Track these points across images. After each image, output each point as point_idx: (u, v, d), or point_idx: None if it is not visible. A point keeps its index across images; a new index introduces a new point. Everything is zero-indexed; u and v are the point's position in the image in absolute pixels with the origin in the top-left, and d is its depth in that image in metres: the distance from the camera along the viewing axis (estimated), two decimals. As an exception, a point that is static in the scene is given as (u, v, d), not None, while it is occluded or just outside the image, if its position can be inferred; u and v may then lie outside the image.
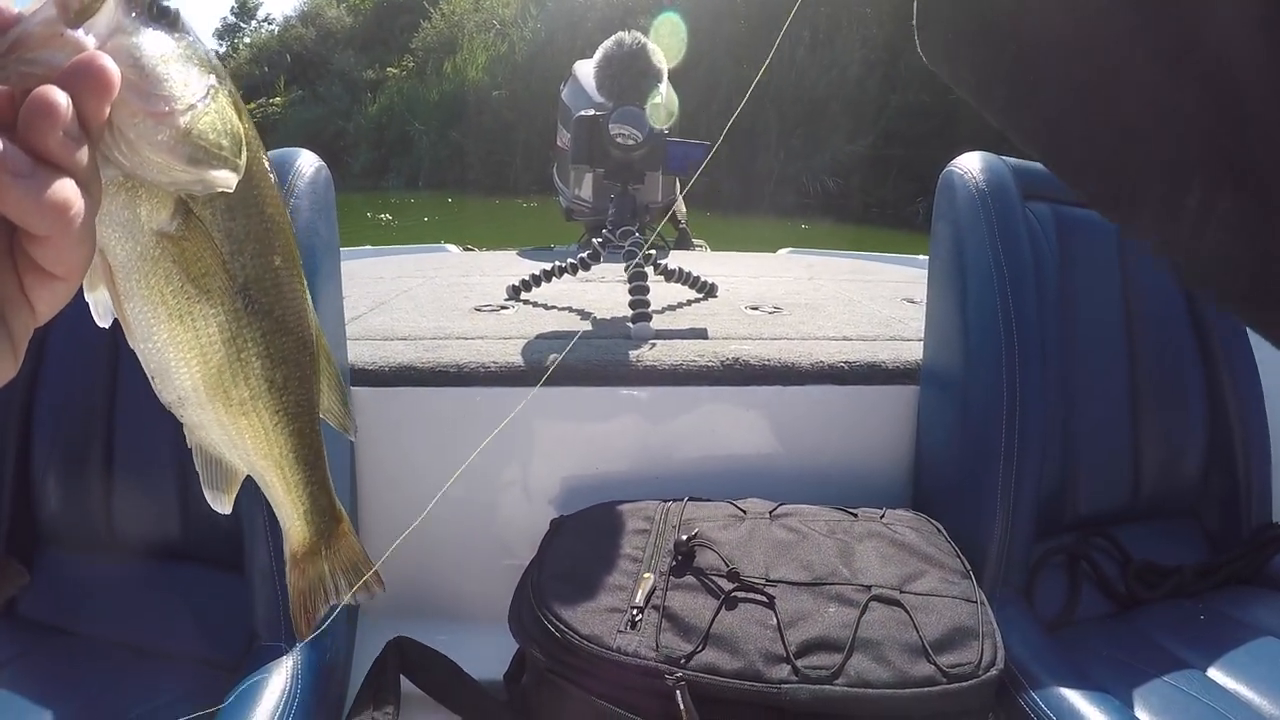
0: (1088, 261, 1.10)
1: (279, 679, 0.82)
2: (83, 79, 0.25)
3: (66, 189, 0.25)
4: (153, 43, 0.28)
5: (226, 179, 0.30)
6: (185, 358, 0.33)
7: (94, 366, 0.95)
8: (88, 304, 0.33)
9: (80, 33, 0.26)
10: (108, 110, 0.26)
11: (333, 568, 0.45)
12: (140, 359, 0.33)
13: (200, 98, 0.29)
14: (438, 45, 16.61)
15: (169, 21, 0.29)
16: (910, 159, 10.66)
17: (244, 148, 0.31)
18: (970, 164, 1.06)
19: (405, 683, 0.95)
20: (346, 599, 0.46)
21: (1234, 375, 1.14)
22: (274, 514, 0.90)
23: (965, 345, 1.01)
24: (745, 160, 11.21)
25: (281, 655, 0.85)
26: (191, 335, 0.32)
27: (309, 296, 0.37)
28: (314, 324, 0.38)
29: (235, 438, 0.36)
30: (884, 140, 11.08)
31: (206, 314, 0.32)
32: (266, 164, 0.33)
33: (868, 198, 10.89)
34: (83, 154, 0.25)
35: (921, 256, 2.01)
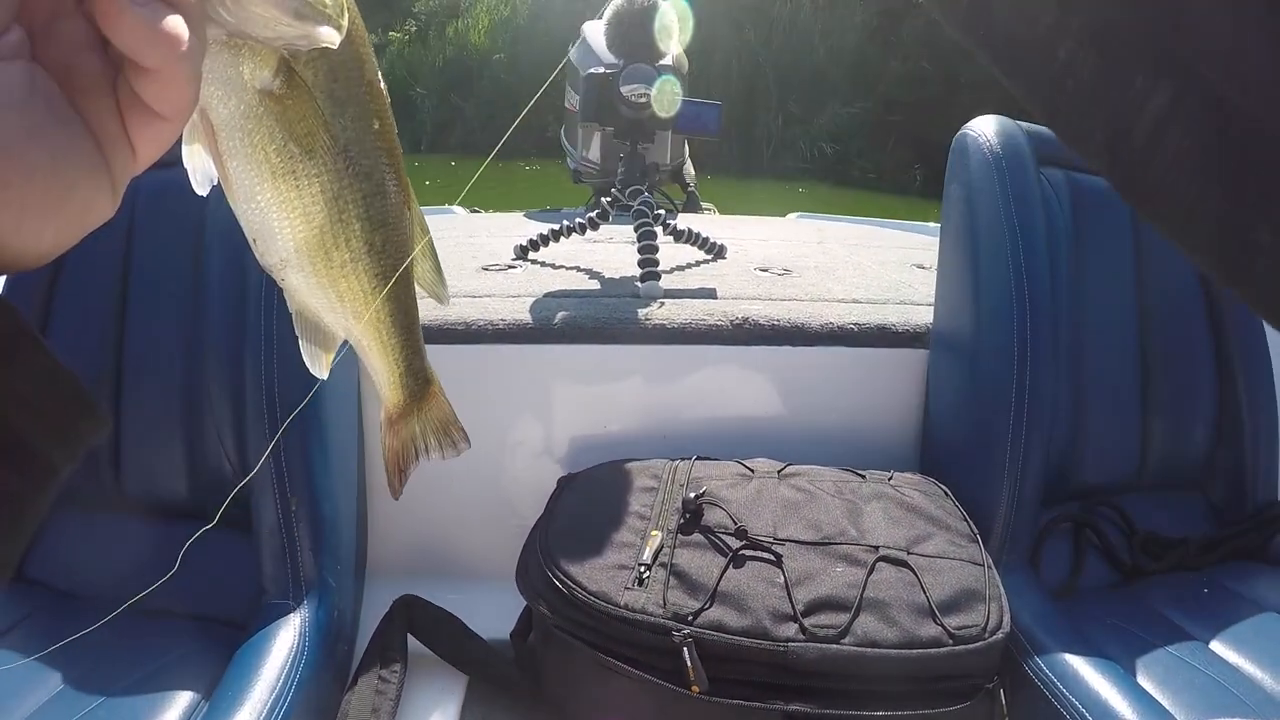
0: (1101, 229, 1.09)
1: (287, 636, 0.83)
2: None
3: (177, 22, 0.25)
4: None
5: (330, 35, 0.30)
6: (289, 217, 0.33)
7: (100, 328, 0.94)
8: (185, 171, 0.33)
9: None
10: None
11: (424, 428, 0.46)
12: (241, 221, 0.33)
13: None
14: (440, 9, 16.48)
15: None
16: (909, 126, 10.54)
17: (346, 9, 0.31)
18: (985, 127, 1.04)
19: (412, 641, 0.95)
20: (437, 456, 0.47)
21: (1244, 349, 1.13)
22: (280, 471, 0.90)
23: (976, 309, 1.01)
24: (744, 124, 11.16)
25: (289, 612, 0.86)
26: (294, 194, 0.33)
27: (403, 164, 0.37)
28: (409, 191, 0.38)
29: (335, 301, 0.37)
30: (883, 107, 10.98)
31: (309, 173, 0.33)
32: (365, 30, 0.34)
33: (865, 163, 10.85)
34: None
35: (932, 224, 1.99)
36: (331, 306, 0.37)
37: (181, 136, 0.30)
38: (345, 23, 0.31)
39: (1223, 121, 0.18)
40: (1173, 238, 0.20)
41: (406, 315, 0.40)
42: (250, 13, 0.28)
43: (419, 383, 0.44)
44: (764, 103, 11.07)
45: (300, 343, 0.39)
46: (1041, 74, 0.21)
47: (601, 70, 1.22)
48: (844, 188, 9.97)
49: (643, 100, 1.18)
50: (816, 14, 11.54)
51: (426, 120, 14.97)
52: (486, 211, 2.41)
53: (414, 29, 16.85)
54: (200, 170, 0.32)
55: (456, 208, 2.35)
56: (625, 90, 1.18)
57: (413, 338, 0.42)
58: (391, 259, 0.37)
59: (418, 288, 0.41)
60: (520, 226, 1.83)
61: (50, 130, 0.25)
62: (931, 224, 2.05)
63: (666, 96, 1.20)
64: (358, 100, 0.33)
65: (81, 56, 0.26)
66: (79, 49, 0.26)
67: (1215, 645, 0.89)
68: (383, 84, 0.35)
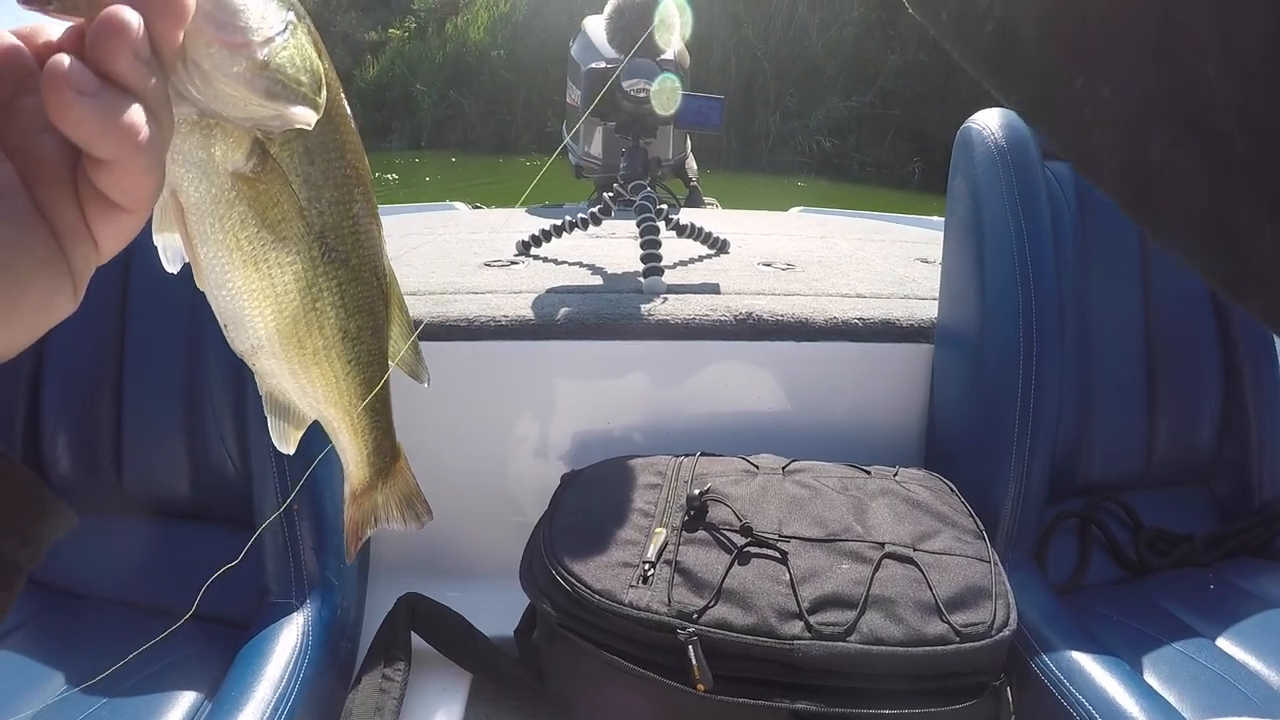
0: (1106, 223, 1.08)
1: (290, 635, 0.82)
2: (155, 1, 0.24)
3: (134, 112, 0.24)
4: None
5: (305, 115, 0.29)
6: (259, 306, 0.32)
7: (102, 329, 0.94)
8: (155, 249, 0.32)
9: None
10: (181, 34, 0.25)
11: (387, 500, 0.46)
12: (213, 306, 0.32)
13: (278, 31, 0.28)
14: (439, 5, 16.58)
15: None
16: (908, 120, 10.62)
17: (324, 86, 0.30)
18: (989, 120, 1.04)
19: (416, 639, 0.95)
20: (399, 527, 0.47)
21: (1250, 344, 1.12)
22: (282, 471, 0.90)
23: (981, 303, 1.00)
24: (743, 119, 11.19)
25: (293, 612, 0.85)
26: (266, 283, 0.32)
27: (385, 244, 0.36)
28: (389, 271, 0.37)
29: (306, 386, 0.36)
30: (882, 100, 11.01)
31: (282, 261, 0.32)
32: (348, 108, 0.32)
33: (864, 157, 10.87)
34: (153, 78, 0.24)
35: (936, 218, 1.98)
36: (303, 391, 0.36)
37: (151, 215, 0.28)
38: (323, 100, 0.30)
39: (1233, 126, 0.17)
40: (1187, 256, 0.20)
41: (379, 399, 0.39)
42: (220, 92, 0.27)
43: (386, 461, 0.43)
44: (762, 98, 11.10)
45: (269, 420, 0.38)
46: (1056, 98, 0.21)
47: (602, 65, 1.21)
48: (843, 182, 9.99)
49: (644, 95, 1.18)
50: (814, 8, 11.54)
51: (426, 117, 15.11)
52: (489, 207, 2.40)
53: (413, 25, 16.93)
54: (170, 249, 0.31)
55: (458, 204, 2.35)
56: (626, 85, 1.17)
57: (384, 419, 0.41)
58: (366, 344, 0.36)
59: (397, 369, 0.40)
60: (522, 222, 1.83)
61: (1, 224, 0.23)
62: (935, 218, 2.04)
63: (666, 94, 1.19)
64: (336, 182, 0.32)
65: (40, 140, 0.24)
66: (37, 131, 0.24)
67: (1221, 642, 0.89)
68: (366, 162, 0.33)
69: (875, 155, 10.86)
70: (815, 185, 9.47)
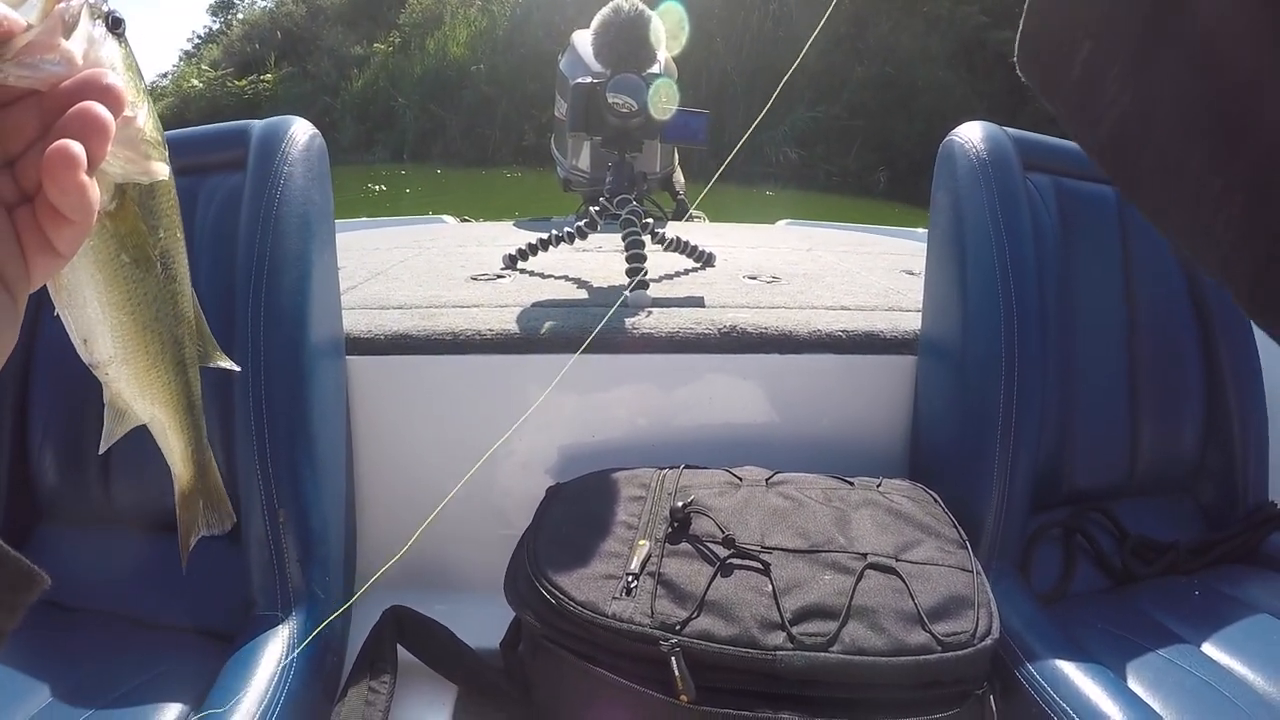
0: (1088, 234, 1.09)
1: (276, 648, 0.82)
2: (105, 93, 0.30)
3: (95, 185, 0.30)
4: (116, 52, 0.33)
5: (164, 170, 0.36)
6: (119, 318, 0.38)
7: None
8: None
9: (69, 44, 0.30)
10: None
11: (206, 502, 0.54)
12: (70, 324, 0.38)
13: (145, 102, 0.35)
14: (424, 20, 17.00)
15: (119, 32, 0.34)
16: (873, 130, 11.05)
17: (163, 142, 0.37)
18: (971, 133, 1.05)
19: (402, 651, 0.95)
20: (206, 531, 0.55)
21: (1232, 352, 1.13)
22: (268, 483, 0.90)
23: (963, 315, 1.01)
24: (715, 132, 11.60)
25: (278, 624, 0.86)
26: (124, 298, 0.38)
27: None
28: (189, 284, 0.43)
29: (146, 389, 0.42)
30: (848, 112, 11.41)
31: (136, 278, 0.38)
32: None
33: (831, 167, 11.28)
34: (106, 149, 0.30)
35: (921, 230, 2.00)
36: (142, 394, 0.43)
37: None
38: (167, 154, 0.37)
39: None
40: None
41: (196, 397, 0.47)
42: (111, 154, 0.32)
43: (204, 459, 0.51)
44: (731, 110, 11.29)
45: (105, 424, 0.44)
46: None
47: (589, 80, 1.22)
48: (811, 191, 10.42)
49: (629, 110, 1.19)
50: (782, 22, 11.90)
51: (409, 130, 15.49)
52: (478, 220, 2.42)
53: (397, 40, 17.22)
54: None
55: (447, 217, 2.36)
56: (612, 99, 1.18)
57: (199, 418, 0.48)
58: (187, 348, 0.44)
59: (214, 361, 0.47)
60: (510, 235, 1.84)
61: None
62: (920, 229, 2.05)
63: (663, 98, 1.20)
64: (167, 212, 0.39)
65: None
66: None
67: (1207, 648, 0.89)
68: (174, 191, 0.40)
69: (842, 165, 11.27)
70: (784, 195, 9.90)
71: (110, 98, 0.30)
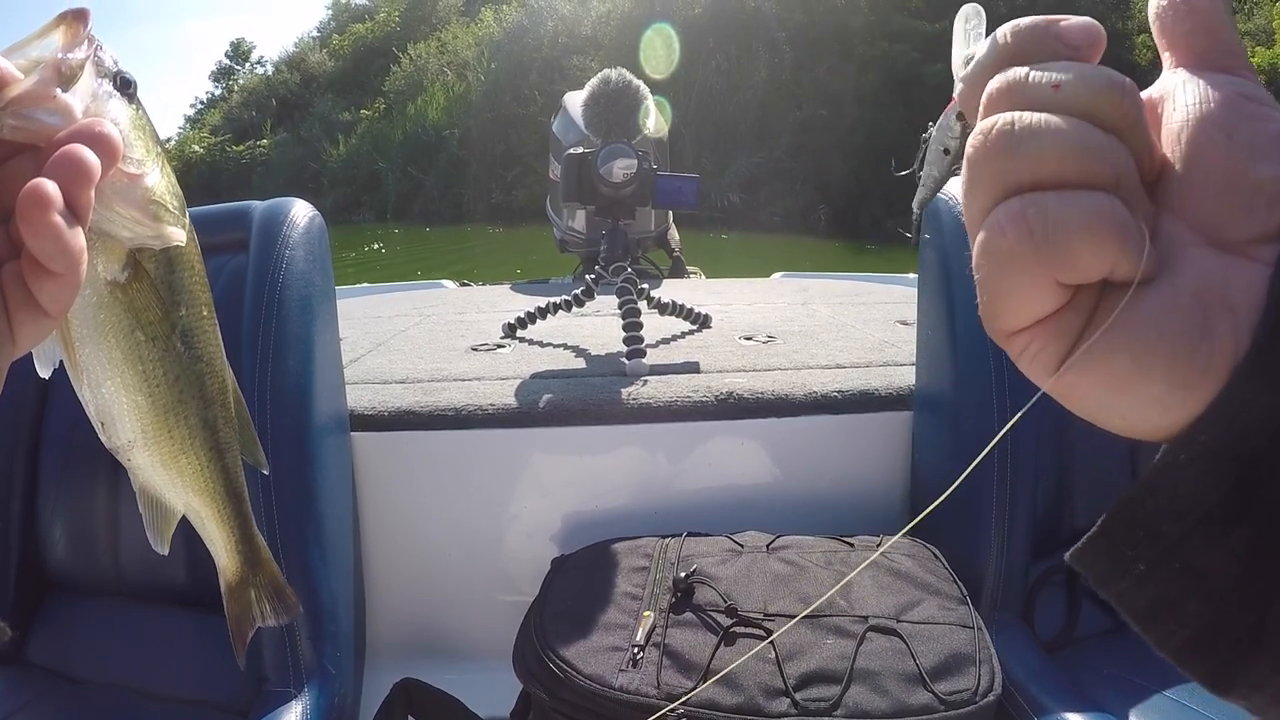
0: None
1: None
2: (97, 140, 0.28)
3: (78, 231, 0.28)
4: (123, 110, 0.32)
5: (179, 235, 0.34)
6: (135, 400, 0.36)
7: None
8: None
9: (68, 96, 0.29)
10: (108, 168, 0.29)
11: (258, 594, 0.49)
12: (89, 406, 0.36)
13: (157, 163, 0.33)
14: (406, 88, 17.99)
15: (129, 92, 0.32)
16: (811, 170, 11.73)
17: (184, 209, 0.35)
18: (956, 191, 1.07)
19: (414, 724, 0.96)
20: (274, 622, 0.50)
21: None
22: (277, 561, 0.91)
23: (955, 370, 1.03)
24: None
25: (290, 700, 0.86)
26: (140, 379, 0.35)
27: (221, 342, 0.40)
28: (227, 368, 0.41)
29: (176, 476, 0.39)
30: (788, 155, 12.10)
31: (153, 357, 0.35)
32: (193, 228, 0.37)
33: (774, 208, 11.91)
34: (92, 204, 0.29)
35: (912, 275, 2.02)
36: (172, 482, 0.40)
37: None
38: (187, 220, 0.35)
39: None
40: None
41: (238, 484, 0.43)
42: (115, 214, 0.31)
43: (252, 548, 0.47)
44: (679, 163, 11.95)
45: (143, 515, 0.41)
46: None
47: (580, 151, 1.25)
48: (757, 233, 10.97)
49: (620, 180, 1.22)
50: (724, 73, 12.60)
51: (391, 191, 16.38)
52: (477, 284, 2.45)
53: (383, 106, 17.99)
54: (45, 355, 0.34)
55: (446, 281, 2.39)
56: (603, 170, 1.21)
57: (244, 505, 0.44)
58: (222, 433, 0.40)
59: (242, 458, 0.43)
60: (509, 300, 1.86)
61: None
62: (911, 274, 2.08)
63: (656, 116, 1.23)
64: (191, 288, 0.37)
65: None
66: None
67: (1215, 688, 0.89)
68: (205, 271, 0.38)
69: (785, 206, 11.89)
70: (731, 239, 10.51)
71: (102, 145, 0.28)
